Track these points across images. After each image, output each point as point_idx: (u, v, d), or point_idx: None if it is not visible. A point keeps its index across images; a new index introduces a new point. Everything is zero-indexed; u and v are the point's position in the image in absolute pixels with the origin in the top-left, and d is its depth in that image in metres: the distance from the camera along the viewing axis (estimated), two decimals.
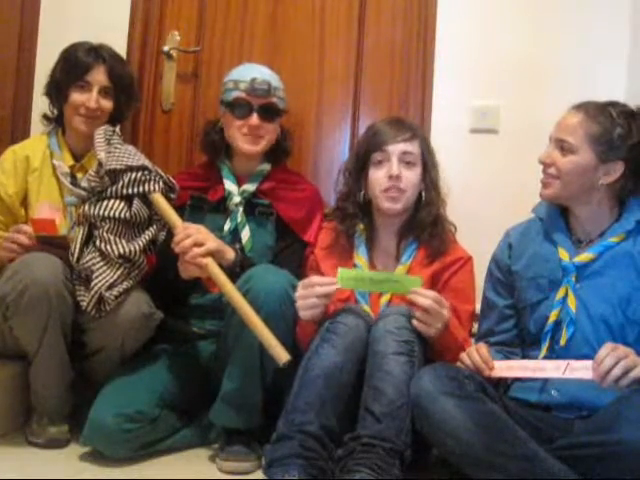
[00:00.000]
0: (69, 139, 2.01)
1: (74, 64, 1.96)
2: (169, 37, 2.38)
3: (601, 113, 1.59)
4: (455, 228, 1.87)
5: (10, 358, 1.84)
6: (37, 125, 2.17)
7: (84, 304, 1.70)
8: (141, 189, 1.74)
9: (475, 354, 1.57)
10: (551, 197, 1.65)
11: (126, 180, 1.74)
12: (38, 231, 1.77)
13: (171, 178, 1.82)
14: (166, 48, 2.36)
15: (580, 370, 1.45)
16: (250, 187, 1.96)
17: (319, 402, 1.47)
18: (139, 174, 1.75)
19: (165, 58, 2.38)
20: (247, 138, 1.93)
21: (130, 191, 1.74)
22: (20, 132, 2.28)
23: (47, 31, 2.31)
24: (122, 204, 1.73)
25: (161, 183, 1.77)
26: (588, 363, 1.43)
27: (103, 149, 1.79)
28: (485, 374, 1.54)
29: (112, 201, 1.73)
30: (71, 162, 1.99)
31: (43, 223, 1.81)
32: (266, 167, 2.00)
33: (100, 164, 1.75)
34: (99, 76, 1.96)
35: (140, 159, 1.78)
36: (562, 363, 1.49)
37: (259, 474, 1.59)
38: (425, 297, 1.54)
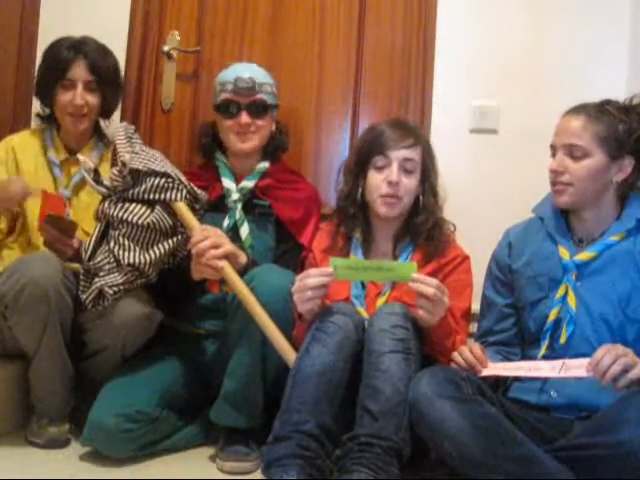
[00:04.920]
0: (64, 136, 2.01)
1: (55, 62, 1.94)
2: (169, 37, 2.38)
3: (602, 112, 1.60)
4: (454, 227, 1.87)
5: (10, 358, 1.84)
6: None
7: (83, 297, 1.70)
8: (163, 196, 1.73)
9: (467, 352, 1.57)
10: (567, 204, 1.63)
11: (149, 185, 1.73)
12: (46, 207, 1.77)
13: (196, 188, 1.80)
14: (166, 48, 2.36)
15: (575, 368, 1.44)
16: (248, 184, 1.96)
17: (313, 401, 1.47)
18: (162, 180, 1.74)
19: (165, 58, 2.38)
20: (238, 137, 1.95)
21: (152, 197, 1.73)
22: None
23: (47, 31, 2.31)
24: (143, 209, 1.72)
25: (184, 192, 1.76)
26: (584, 361, 1.43)
27: (127, 151, 1.78)
28: (477, 371, 1.54)
29: (134, 205, 1.73)
30: (65, 156, 1.99)
31: (53, 200, 1.81)
32: (264, 164, 2.00)
33: (123, 164, 1.74)
34: (81, 72, 1.94)
35: (164, 166, 1.77)
36: (557, 363, 1.49)
37: (259, 474, 1.59)
38: (428, 285, 1.54)
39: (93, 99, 1.97)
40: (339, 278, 1.58)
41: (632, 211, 1.61)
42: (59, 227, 1.79)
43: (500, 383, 1.65)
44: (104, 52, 2.01)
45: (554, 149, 1.65)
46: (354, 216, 1.83)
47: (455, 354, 1.59)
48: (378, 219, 1.83)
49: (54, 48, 1.97)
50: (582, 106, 1.63)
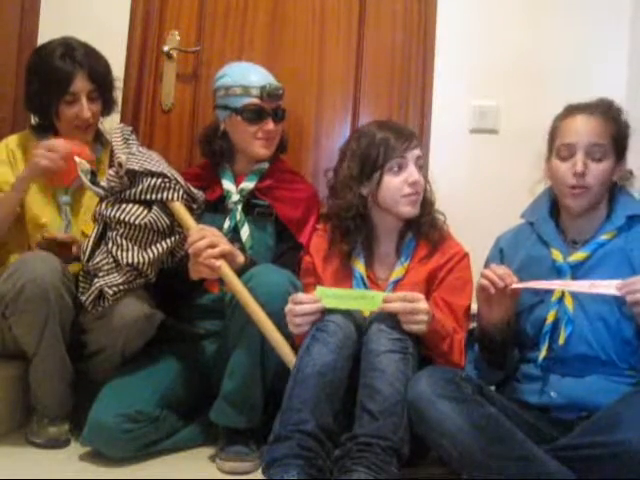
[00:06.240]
0: None
1: (54, 77, 1.88)
2: (169, 37, 2.38)
3: (614, 112, 1.60)
4: (444, 217, 1.87)
5: (10, 358, 1.84)
6: None
7: (83, 298, 1.70)
8: (160, 196, 1.73)
9: (489, 271, 1.53)
10: (582, 208, 1.60)
11: (145, 185, 1.73)
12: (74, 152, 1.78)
13: (193, 188, 1.80)
14: (166, 48, 2.36)
15: (604, 287, 1.45)
16: (248, 185, 1.96)
17: (314, 400, 1.47)
18: (159, 180, 1.73)
19: (165, 58, 2.38)
20: (262, 142, 1.95)
21: (149, 197, 1.73)
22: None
23: (47, 31, 2.30)
24: (140, 210, 1.72)
25: (181, 192, 1.75)
26: (613, 282, 1.44)
27: (123, 152, 1.78)
28: (508, 282, 1.50)
29: (130, 205, 1.73)
30: None
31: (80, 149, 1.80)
32: (264, 165, 2.00)
33: (120, 165, 1.74)
34: (82, 84, 1.89)
35: (160, 167, 1.76)
36: (585, 283, 1.49)
37: (259, 474, 1.59)
38: (393, 301, 1.55)
39: (96, 107, 1.95)
40: (327, 306, 1.59)
41: (621, 209, 1.60)
42: (54, 248, 1.78)
43: (507, 382, 1.64)
44: (94, 54, 1.96)
45: (572, 149, 1.58)
46: (357, 228, 1.81)
47: (481, 279, 1.54)
48: (386, 220, 1.82)
49: (46, 59, 1.89)
50: (589, 105, 1.61)
